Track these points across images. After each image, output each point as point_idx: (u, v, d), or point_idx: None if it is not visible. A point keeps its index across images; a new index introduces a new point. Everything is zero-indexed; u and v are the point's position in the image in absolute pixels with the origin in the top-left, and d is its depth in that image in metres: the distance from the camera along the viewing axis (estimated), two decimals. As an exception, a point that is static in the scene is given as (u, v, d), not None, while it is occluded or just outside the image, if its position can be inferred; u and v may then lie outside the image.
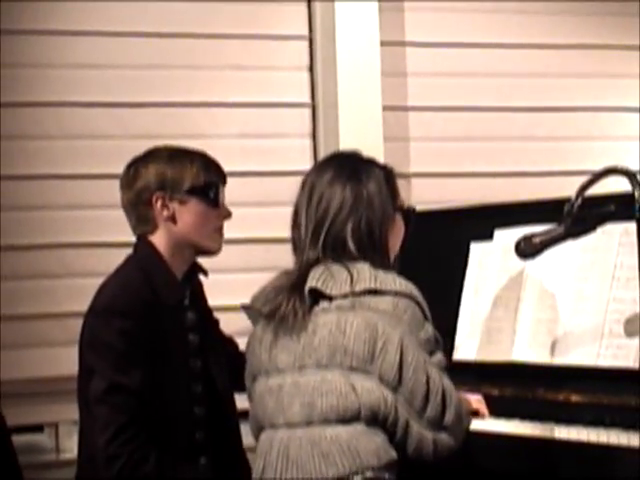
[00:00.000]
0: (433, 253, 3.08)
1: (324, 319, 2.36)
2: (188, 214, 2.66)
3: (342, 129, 3.96)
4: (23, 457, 3.10)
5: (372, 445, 2.29)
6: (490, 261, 2.88)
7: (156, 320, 2.58)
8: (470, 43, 4.22)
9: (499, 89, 4.25)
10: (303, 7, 4.09)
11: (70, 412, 2.86)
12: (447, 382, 2.36)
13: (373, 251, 2.42)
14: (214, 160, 2.73)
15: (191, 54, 3.93)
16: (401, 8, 4.18)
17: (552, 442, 2.38)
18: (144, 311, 2.56)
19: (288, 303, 2.39)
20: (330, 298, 2.36)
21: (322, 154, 3.96)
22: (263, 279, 2.51)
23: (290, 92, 4.05)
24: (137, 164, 2.69)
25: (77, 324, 2.65)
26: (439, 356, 2.39)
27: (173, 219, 2.66)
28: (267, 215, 3.77)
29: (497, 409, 2.57)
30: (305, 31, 4.08)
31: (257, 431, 2.46)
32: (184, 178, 2.65)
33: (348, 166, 2.48)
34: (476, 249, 2.94)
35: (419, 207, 2.72)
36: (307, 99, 4.07)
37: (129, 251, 2.72)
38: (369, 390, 2.29)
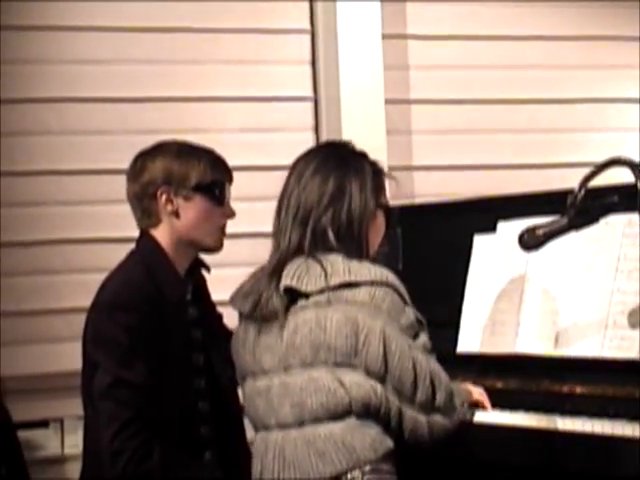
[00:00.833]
0: (436, 246, 3.08)
1: (303, 317, 2.35)
2: (192, 210, 2.66)
3: (344, 122, 3.95)
4: (28, 453, 3.12)
5: (367, 438, 2.29)
6: (493, 253, 2.88)
7: (159, 315, 2.58)
8: (472, 35, 4.21)
9: (501, 81, 4.24)
10: (305, 1, 4.08)
11: (75, 407, 2.86)
12: (434, 364, 2.36)
13: (350, 242, 2.40)
14: (222, 158, 2.73)
15: (192, 48, 3.92)
16: (403, 1, 4.17)
17: (556, 434, 2.38)
18: (148, 306, 2.56)
19: (267, 301, 2.39)
20: (307, 295, 2.35)
21: (325, 148, 3.96)
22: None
23: (292, 86, 4.05)
24: (145, 157, 2.69)
25: (80, 319, 2.66)
26: (423, 338, 2.38)
27: (176, 214, 2.66)
28: (270, 209, 3.75)
29: (501, 401, 2.57)
30: (307, 25, 4.08)
31: (254, 429, 2.47)
32: (190, 174, 2.65)
33: (336, 156, 2.48)
34: (479, 241, 2.94)
35: (422, 200, 2.73)
36: (309, 93, 4.07)
37: (131, 246, 2.72)
38: (357, 383, 2.29)
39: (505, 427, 2.48)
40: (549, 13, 4.28)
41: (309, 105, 4.07)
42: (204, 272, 2.82)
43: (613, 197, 2.48)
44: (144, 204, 2.66)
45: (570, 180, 2.50)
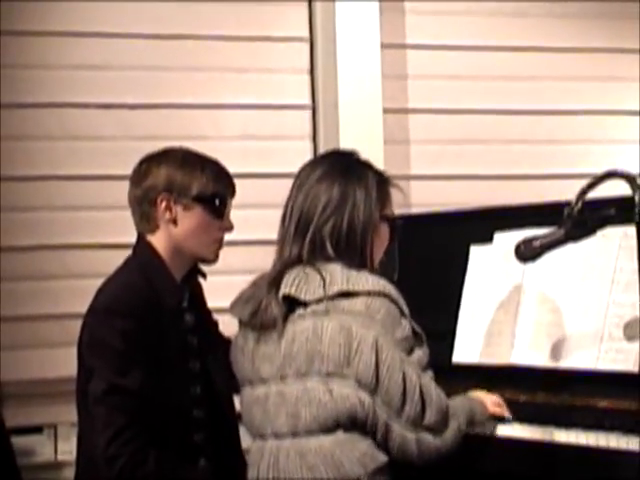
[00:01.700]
0: (433, 256, 3.08)
1: (301, 326, 2.35)
2: (189, 220, 2.66)
3: (342, 131, 3.96)
4: (22, 458, 3.11)
5: (355, 453, 2.29)
6: (490, 264, 2.88)
7: (156, 321, 2.58)
8: (470, 46, 4.22)
9: (499, 92, 4.25)
10: (304, 9, 4.09)
11: (69, 414, 2.85)
12: (427, 381, 2.33)
13: (351, 253, 2.40)
14: (226, 171, 2.73)
15: (192, 56, 3.93)
16: (402, 10, 4.18)
17: (552, 446, 2.38)
18: (144, 312, 2.56)
19: (266, 309, 2.39)
20: (305, 304, 2.35)
21: (322, 156, 3.96)
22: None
23: (291, 94, 4.05)
24: (150, 162, 2.69)
25: (77, 325, 2.65)
26: (419, 353, 2.36)
27: (174, 222, 2.66)
28: (267, 217, 3.74)
29: (496, 412, 2.57)
30: (306, 33, 4.08)
31: (251, 437, 2.47)
32: (192, 184, 2.65)
33: (341, 165, 2.47)
34: (476, 252, 2.94)
35: (419, 210, 2.73)
36: (308, 101, 4.07)
37: (129, 252, 2.72)
38: (344, 396, 2.28)
39: (500, 438, 2.48)
40: (548, 25, 4.29)
41: (307, 113, 4.07)
42: (200, 279, 2.82)
43: (610, 209, 2.48)
44: (143, 208, 2.66)
45: (568, 192, 2.50)
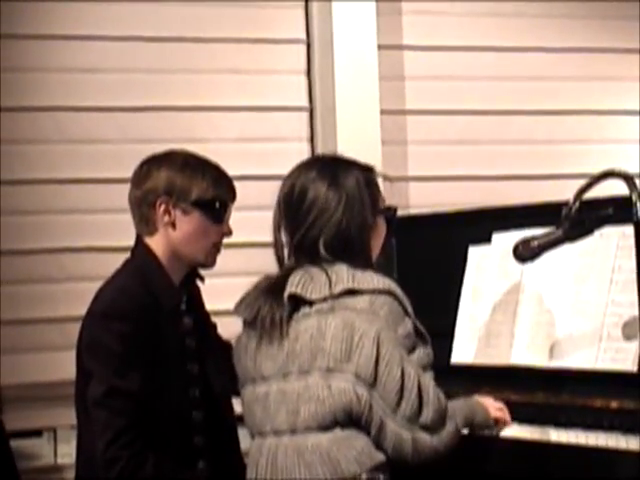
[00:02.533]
0: (431, 256, 3.09)
1: (305, 325, 2.36)
2: (188, 225, 2.66)
3: (340, 133, 3.96)
4: (21, 462, 3.11)
5: (352, 452, 2.29)
6: (488, 264, 2.88)
7: (154, 324, 2.58)
8: (468, 47, 4.22)
9: (497, 92, 4.24)
10: (300, 11, 4.09)
11: (68, 417, 2.85)
12: (426, 380, 2.32)
13: (351, 256, 2.41)
14: (227, 177, 2.72)
15: (189, 58, 3.93)
16: (399, 12, 4.18)
17: (551, 446, 2.38)
18: (142, 315, 2.56)
19: (270, 309, 2.40)
20: (310, 303, 2.36)
21: (320, 158, 3.96)
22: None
23: (288, 96, 4.05)
24: (151, 164, 2.68)
25: (76, 328, 2.65)
26: (421, 352, 2.37)
27: (173, 225, 2.65)
28: (265, 219, 3.74)
29: (495, 413, 2.57)
30: (303, 35, 4.08)
31: (251, 437, 2.47)
32: (192, 189, 2.64)
33: (329, 171, 2.47)
34: (474, 252, 2.94)
35: (417, 210, 2.73)
36: (305, 103, 4.07)
37: (127, 256, 2.72)
38: (341, 391, 2.29)
39: (499, 439, 2.48)
40: (546, 24, 4.28)
41: (304, 115, 4.07)
42: (198, 282, 2.82)
43: (608, 209, 2.49)
44: (143, 211, 2.66)
45: (566, 192, 2.50)
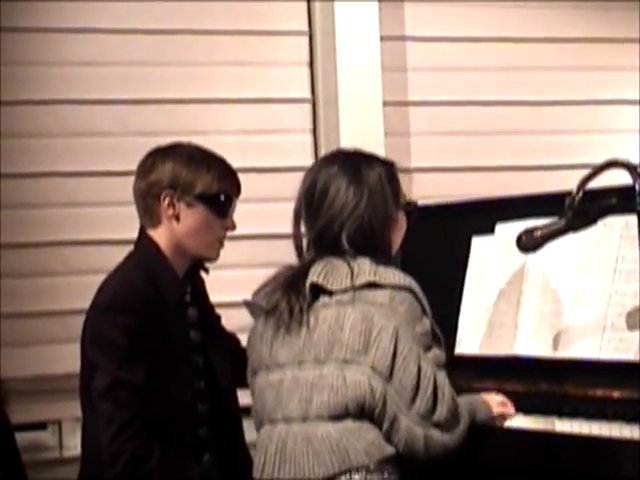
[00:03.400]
0: (435, 247, 3.08)
1: (324, 314, 2.36)
2: (192, 218, 2.66)
3: (342, 124, 3.95)
4: (26, 455, 3.11)
5: (362, 443, 2.30)
6: (492, 255, 2.88)
7: (158, 317, 2.58)
8: (470, 37, 4.21)
9: (499, 83, 4.24)
10: (303, 2, 4.08)
11: (73, 409, 2.86)
12: (441, 378, 2.34)
13: (373, 251, 2.42)
14: (232, 171, 2.72)
15: (191, 50, 3.92)
16: (401, 2, 4.17)
17: (554, 435, 2.38)
18: (147, 307, 2.56)
19: (289, 298, 2.40)
20: (331, 293, 2.37)
21: (323, 150, 3.95)
22: (265, 275, 2.52)
23: (290, 88, 4.05)
24: (156, 156, 2.68)
25: (79, 321, 2.66)
26: (436, 352, 2.38)
27: (177, 218, 2.65)
28: (268, 211, 3.77)
29: (499, 403, 2.57)
30: (305, 26, 4.07)
31: (259, 425, 2.47)
32: (197, 182, 2.64)
33: (350, 166, 2.47)
34: (477, 243, 2.94)
35: (420, 202, 2.73)
36: (307, 94, 4.07)
37: (130, 248, 2.72)
38: (356, 383, 2.29)
39: (503, 429, 2.48)
40: (548, 15, 4.28)
41: (307, 107, 4.06)
42: (202, 274, 2.82)
43: (611, 199, 2.49)
44: (147, 202, 2.66)
45: (569, 182, 2.50)
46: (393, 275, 2.37)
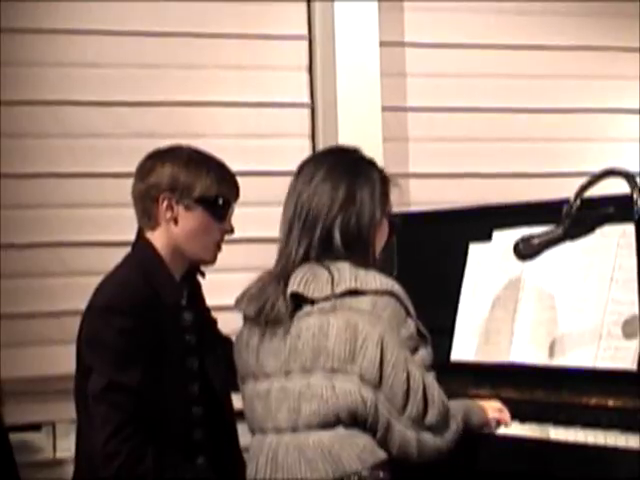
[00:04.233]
0: (432, 254, 3.09)
1: (307, 323, 2.35)
2: (190, 221, 2.66)
3: (341, 129, 3.96)
4: (20, 456, 3.11)
5: (354, 449, 2.29)
6: (489, 262, 2.88)
7: (154, 319, 2.58)
8: (469, 44, 4.22)
9: (498, 90, 4.24)
10: (302, 7, 4.08)
11: (67, 411, 2.86)
12: (430, 380, 2.34)
13: (359, 250, 2.41)
14: (231, 174, 2.72)
15: (190, 53, 3.92)
16: (400, 8, 4.18)
17: (550, 443, 2.38)
18: (143, 310, 2.56)
19: (272, 306, 2.39)
20: (312, 301, 2.36)
21: (321, 155, 3.95)
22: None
23: (289, 92, 4.05)
24: (156, 158, 2.68)
25: (76, 323, 2.65)
26: (423, 353, 2.37)
27: (175, 221, 2.65)
28: (266, 215, 3.75)
29: (495, 410, 2.57)
30: (304, 31, 4.08)
31: (251, 432, 2.47)
32: (196, 186, 2.64)
33: (345, 162, 2.48)
34: (475, 250, 2.94)
35: (418, 208, 2.73)
36: (306, 99, 4.07)
37: (128, 250, 2.72)
38: (347, 392, 2.29)
39: (499, 436, 2.48)
40: (547, 22, 4.28)
41: (306, 111, 4.07)
42: (199, 277, 2.82)
43: (608, 207, 2.49)
44: (145, 205, 2.66)
45: (566, 190, 2.50)
46: (374, 279, 2.35)
